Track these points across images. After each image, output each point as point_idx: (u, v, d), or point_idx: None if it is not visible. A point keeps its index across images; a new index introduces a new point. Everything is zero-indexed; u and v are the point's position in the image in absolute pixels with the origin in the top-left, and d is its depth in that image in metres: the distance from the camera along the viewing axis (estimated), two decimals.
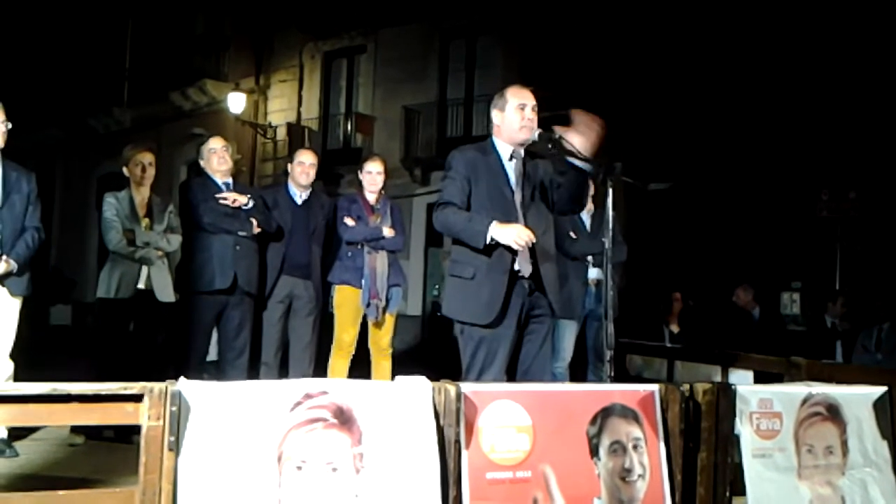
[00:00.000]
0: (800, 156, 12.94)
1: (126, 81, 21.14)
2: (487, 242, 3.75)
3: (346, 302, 5.85)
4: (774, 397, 3.57)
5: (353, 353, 5.91)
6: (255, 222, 5.47)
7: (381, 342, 5.92)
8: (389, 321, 5.92)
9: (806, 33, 12.79)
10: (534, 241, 3.76)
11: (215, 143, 5.63)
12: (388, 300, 5.87)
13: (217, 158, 5.56)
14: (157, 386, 2.58)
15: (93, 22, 20.96)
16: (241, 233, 5.42)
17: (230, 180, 5.62)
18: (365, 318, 5.84)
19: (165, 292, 5.36)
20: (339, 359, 5.85)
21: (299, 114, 18.56)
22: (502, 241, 3.73)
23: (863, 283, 11.98)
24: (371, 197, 5.98)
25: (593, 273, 6.21)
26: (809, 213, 12.95)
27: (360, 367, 5.90)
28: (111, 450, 4.74)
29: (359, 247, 5.84)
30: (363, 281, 5.79)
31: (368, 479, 2.74)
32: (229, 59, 19.33)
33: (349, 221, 5.83)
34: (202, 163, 5.63)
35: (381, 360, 5.92)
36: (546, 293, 3.96)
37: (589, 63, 14.05)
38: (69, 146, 22.30)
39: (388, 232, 5.87)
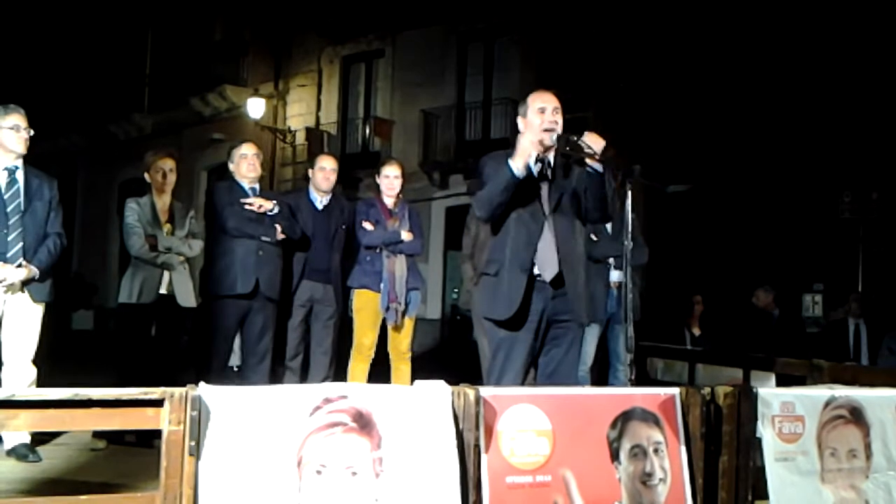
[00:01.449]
0: (821, 157, 12.85)
1: (146, 87, 21.30)
2: (518, 174, 3.80)
3: (366, 306, 5.85)
4: (796, 400, 3.54)
5: (373, 356, 5.92)
6: (279, 228, 5.46)
7: (401, 346, 5.92)
8: (408, 325, 5.92)
9: (828, 35, 12.69)
10: (548, 139, 3.82)
11: (247, 149, 5.64)
12: (407, 304, 5.87)
13: (247, 164, 5.57)
14: (178, 391, 2.60)
15: (113, 29, 21.14)
16: (264, 238, 5.41)
17: (257, 186, 5.64)
18: (384, 321, 5.85)
19: (187, 297, 5.39)
20: (359, 363, 5.86)
21: (318, 118, 18.62)
22: (525, 155, 3.80)
23: (886, 284, 11.89)
24: (389, 201, 5.98)
25: (615, 275, 6.18)
26: (831, 215, 12.88)
27: (380, 370, 5.91)
28: (133, 454, 4.76)
29: (377, 251, 5.84)
30: (382, 285, 5.79)
31: (388, 483, 2.74)
32: (248, 65, 19.44)
33: (367, 226, 5.83)
34: (231, 166, 5.64)
35: (401, 364, 5.92)
36: (571, 300, 3.95)
37: (607, 65, 14.01)
38: (90, 152, 22.50)
39: (406, 236, 5.87)
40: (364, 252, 5.89)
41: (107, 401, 2.59)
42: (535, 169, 3.95)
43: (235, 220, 5.39)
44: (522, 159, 3.81)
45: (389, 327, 5.86)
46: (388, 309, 5.79)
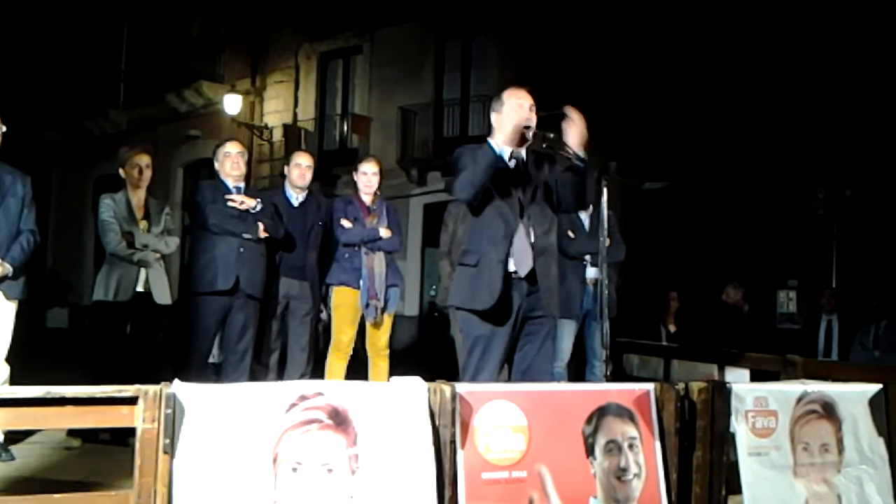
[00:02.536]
0: (796, 154, 12.96)
1: (122, 83, 21.10)
2: (498, 153, 3.88)
3: (344, 303, 5.85)
4: (770, 395, 3.57)
5: (351, 353, 5.91)
6: (261, 226, 5.44)
7: (379, 343, 5.92)
8: (387, 322, 5.93)
9: (801, 31, 12.80)
10: (531, 119, 3.85)
11: (231, 148, 5.61)
12: (385, 301, 5.87)
13: (231, 162, 5.53)
14: (152, 388, 2.58)
15: (88, 24, 20.94)
16: (245, 235, 5.38)
17: (242, 185, 5.60)
18: (362, 318, 5.85)
19: (163, 294, 5.35)
20: (337, 360, 5.85)
21: (295, 115, 18.54)
22: (511, 134, 3.85)
23: (859, 281, 12.02)
24: (366, 198, 5.97)
25: (591, 272, 6.20)
26: (806, 211, 12.99)
27: (357, 367, 5.91)
28: (107, 453, 4.74)
29: (356, 248, 5.83)
30: (362, 282, 5.79)
31: (364, 480, 2.74)
32: (225, 61, 19.32)
33: (345, 223, 5.83)
34: (216, 165, 5.61)
35: (379, 361, 5.92)
36: (542, 294, 3.97)
37: (584, 62, 14.06)
38: (65, 148, 22.27)
39: (384, 233, 5.87)
40: (342, 249, 5.88)
41: (80, 399, 2.57)
42: (511, 164, 3.98)
43: (217, 216, 5.37)
44: (503, 135, 3.87)
45: (368, 324, 5.86)
46: (367, 306, 5.79)
